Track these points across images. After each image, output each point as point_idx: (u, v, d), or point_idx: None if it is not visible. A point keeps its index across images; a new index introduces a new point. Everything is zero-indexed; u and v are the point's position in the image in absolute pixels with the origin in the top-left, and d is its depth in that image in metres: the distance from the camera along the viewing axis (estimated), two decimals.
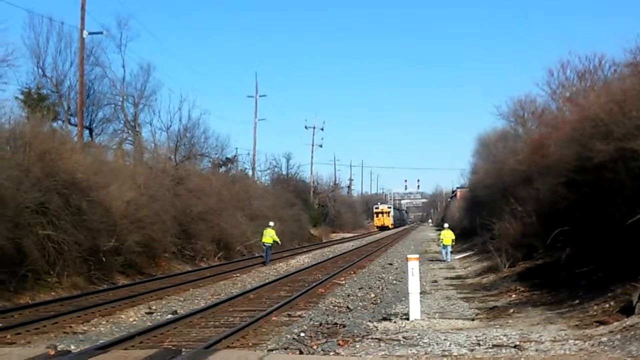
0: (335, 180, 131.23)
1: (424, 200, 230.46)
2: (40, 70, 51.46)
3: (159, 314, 21.13)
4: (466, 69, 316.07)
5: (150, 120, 63.61)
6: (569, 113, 32.85)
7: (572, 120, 26.02)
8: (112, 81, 56.62)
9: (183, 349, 13.66)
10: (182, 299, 24.80)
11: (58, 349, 14.02)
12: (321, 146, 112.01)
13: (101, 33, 48.23)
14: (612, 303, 17.14)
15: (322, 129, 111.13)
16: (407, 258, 20.40)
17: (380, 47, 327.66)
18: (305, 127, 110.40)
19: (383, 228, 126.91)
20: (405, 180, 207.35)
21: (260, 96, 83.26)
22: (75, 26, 44.15)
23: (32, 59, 51.61)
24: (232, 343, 15.62)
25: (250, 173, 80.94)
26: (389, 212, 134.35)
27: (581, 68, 45.97)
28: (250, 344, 15.93)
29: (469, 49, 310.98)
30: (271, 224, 43.34)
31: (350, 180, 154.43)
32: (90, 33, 44.49)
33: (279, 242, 42.87)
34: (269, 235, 41.29)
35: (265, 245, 41.56)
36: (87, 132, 50.62)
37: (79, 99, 44.35)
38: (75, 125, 45.70)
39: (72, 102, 50.31)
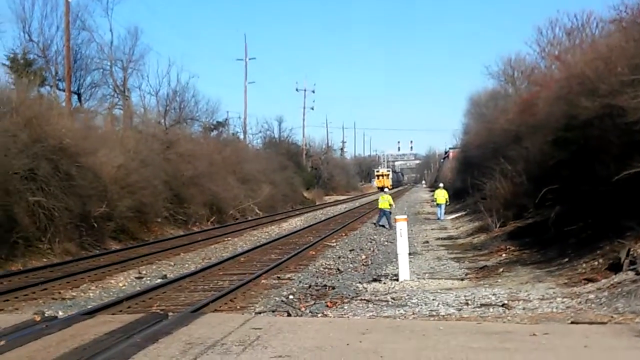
0: (327, 142, 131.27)
1: (417, 161, 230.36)
2: (26, 35, 50.82)
3: (148, 278, 21.11)
4: (458, 28, 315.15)
5: (139, 84, 63.35)
6: (557, 71, 32.74)
7: (559, 78, 25.92)
8: (99, 46, 56.08)
9: (170, 313, 13.67)
10: (172, 264, 24.78)
11: (45, 315, 14.02)
12: (313, 109, 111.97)
13: None
14: (600, 260, 17.16)
15: (313, 92, 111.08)
16: (395, 219, 20.40)
17: (371, 8, 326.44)
18: (297, 90, 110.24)
19: (383, 188, 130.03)
20: (398, 142, 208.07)
21: (249, 59, 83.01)
22: None
23: (17, 23, 51.09)
24: (220, 306, 15.60)
25: (241, 137, 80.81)
26: (388, 175, 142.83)
27: (569, 26, 45.94)
28: (238, 307, 15.93)
29: (461, 9, 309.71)
30: (386, 189, 50.46)
31: (343, 142, 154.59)
32: None
33: (393, 204, 43.02)
34: (385, 201, 40.84)
35: (384, 211, 40.83)
36: (75, 97, 50.28)
37: (66, 63, 44.07)
38: (64, 91, 45.47)
39: (60, 67, 49.88)
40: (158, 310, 14.84)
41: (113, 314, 14.25)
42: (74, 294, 18.35)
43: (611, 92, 17.35)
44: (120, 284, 20.07)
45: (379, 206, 41.29)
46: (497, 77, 59.02)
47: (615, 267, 15.78)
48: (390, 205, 40.88)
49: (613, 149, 17.94)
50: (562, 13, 51.49)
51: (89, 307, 15.59)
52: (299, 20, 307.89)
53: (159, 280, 20.17)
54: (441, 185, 49.19)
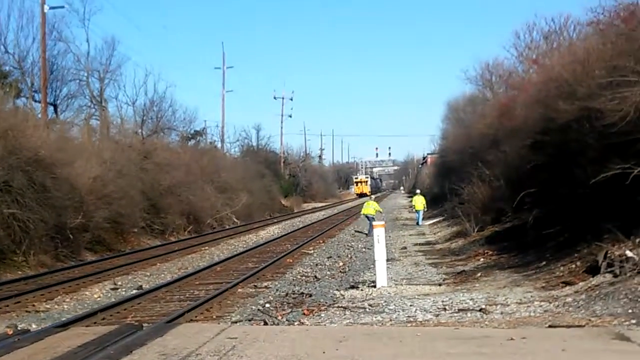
0: (305, 150, 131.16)
1: (395, 167, 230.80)
2: (2, 47, 50.45)
3: (124, 289, 20.91)
4: (435, 33, 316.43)
5: (116, 95, 63.01)
6: (535, 75, 32.81)
7: (537, 81, 25.98)
8: (76, 56, 55.65)
9: (144, 324, 13.49)
10: (148, 274, 24.55)
11: (18, 328, 13.83)
12: (291, 116, 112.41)
13: (62, 7, 47.28)
14: (578, 263, 17.16)
15: (291, 99, 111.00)
16: (372, 226, 20.32)
17: (347, 14, 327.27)
18: (274, 98, 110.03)
19: (362, 195, 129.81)
20: (377, 148, 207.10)
21: (227, 67, 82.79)
22: (37, 0, 43.44)
23: None
24: (196, 316, 15.46)
25: (219, 145, 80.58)
26: (366, 181, 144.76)
27: (547, 29, 46.09)
28: (214, 316, 15.80)
29: (438, 13, 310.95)
30: (372, 197, 52.25)
31: (321, 149, 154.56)
32: (51, 7, 43.78)
33: (381, 211, 42.72)
34: (369, 207, 39.68)
35: (368, 217, 39.17)
36: (51, 108, 49.88)
37: (42, 75, 43.74)
38: (40, 102, 45.12)
39: (36, 78, 49.37)
40: (133, 322, 14.66)
41: (87, 326, 14.06)
42: (48, 306, 18.13)
43: (589, 95, 17.33)
44: (95, 296, 19.86)
45: (362, 212, 40.81)
46: (475, 81, 59.13)
47: (593, 270, 15.74)
48: (375, 211, 39.75)
49: (591, 151, 17.93)
50: (539, 17, 51.84)
51: (63, 319, 15.34)
52: (277, 29, 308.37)
53: (134, 291, 19.96)
54: (418, 191, 49.60)
